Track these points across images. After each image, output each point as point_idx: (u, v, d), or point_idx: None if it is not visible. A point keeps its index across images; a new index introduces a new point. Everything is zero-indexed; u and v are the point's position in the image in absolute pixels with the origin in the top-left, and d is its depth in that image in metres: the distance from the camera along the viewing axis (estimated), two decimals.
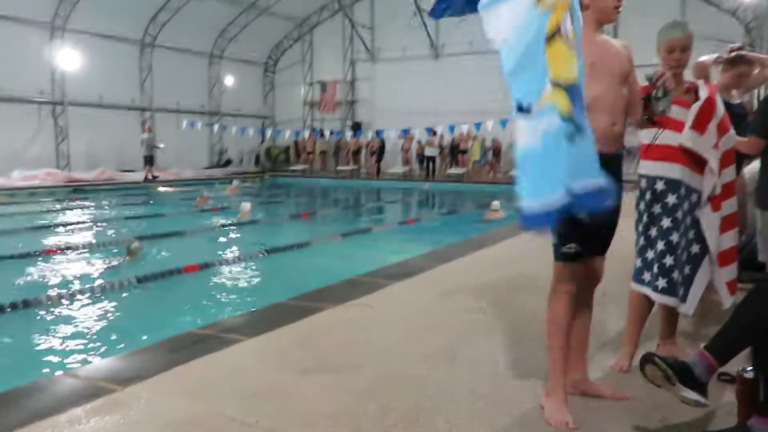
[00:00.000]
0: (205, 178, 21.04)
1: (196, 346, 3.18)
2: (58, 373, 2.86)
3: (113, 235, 8.87)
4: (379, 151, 22.20)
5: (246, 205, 10.38)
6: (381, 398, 2.50)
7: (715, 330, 2.27)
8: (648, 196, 2.89)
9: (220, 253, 7.48)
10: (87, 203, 13.83)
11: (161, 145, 19.75)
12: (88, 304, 5.12)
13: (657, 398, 2.49)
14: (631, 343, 2.93)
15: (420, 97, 23.09)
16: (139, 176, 19.67)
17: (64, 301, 5.11)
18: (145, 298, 5.46)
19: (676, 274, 2.79)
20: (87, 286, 5.62)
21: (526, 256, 5.67)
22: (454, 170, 20.86)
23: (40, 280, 6.08)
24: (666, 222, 2.81)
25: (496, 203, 11.00)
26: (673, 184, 2.81)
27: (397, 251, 7.47)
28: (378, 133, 21.23)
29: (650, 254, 2.88)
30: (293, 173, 23.17)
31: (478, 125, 18.36)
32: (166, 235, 8.47)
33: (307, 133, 22.37)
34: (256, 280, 6.20)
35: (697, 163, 2.79)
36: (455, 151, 21.47)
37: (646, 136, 2.91)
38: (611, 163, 2.36)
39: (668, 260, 2.80)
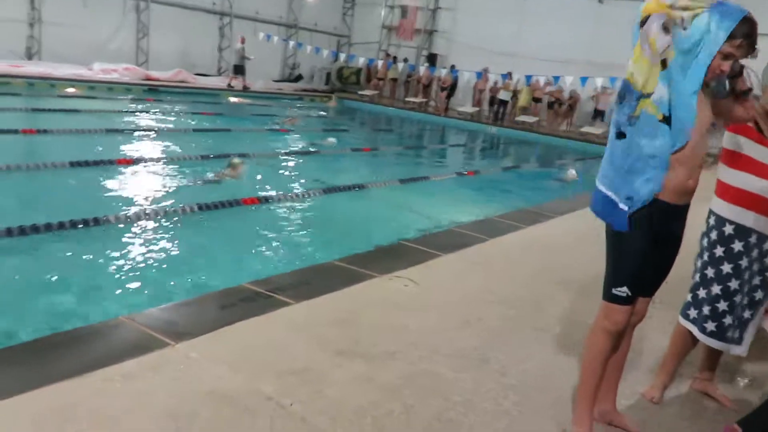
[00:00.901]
0: (275, 92, 21.21)
1: (245, 304, 3.38)
2: (119, 317, 3.09)
3: (192, 148, 9.15)
4: (451, 88, 21.73)
5: (332, 141, 10.95)
6: (407, 398, 2.63)
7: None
8: (714, 236, 2.82)
9: (281, 184, 7.67)
10: (164, 106, 14.21)
11: (251, 57, 19.99)
12: (152, 229, 5.41)
13: None
14: (667, 375, 2.96)
15: (502, 38, 22.24)
16: (212, 81, 20.04)
17: (129, 222, 5.41)
18: (204, 229, 5.71)
19: (727, 319, 2.77)
20: (154, 207, 5.93)
21: (579, 245, 5.62)
22: (525, 117, 20.31)
23: (110, 194, 6.42)
24: (727, 267, 2.75)
25: (572, 172, 10.83)
26: (743, 231, 2.73)
27: (453, 208, 7.53)
28: (452, 71, 20.63)
29: (702, 293, 2.84)
30: (361, 98, 23.04)
31: (556, 78, 17.62)
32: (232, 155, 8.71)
33: (380, 63, 21.88)
34: (310, 223, 6.37)
35: None
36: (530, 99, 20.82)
37: (724, 172, 2.82)
38: (677, 214, 2.34)
39: (722, 305, 2.76)
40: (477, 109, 21.70)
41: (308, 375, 2.73)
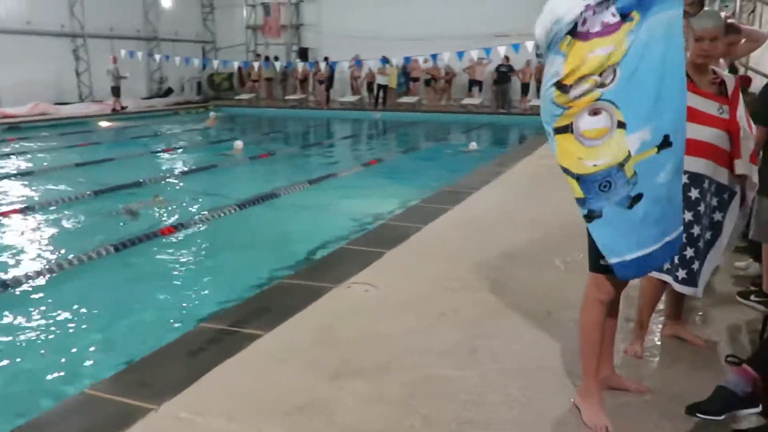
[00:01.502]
0: (147, 110, 20.12)
1: (214, 346, 3.15)
2: (83, 391, 2.76)
3: (82, 185, 8.43)
4: (329, 80, 21.62)
5: (239, 144, 10.90)
6: (421, 409, 2.56)
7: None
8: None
9: (190, 207, 7.28)
10: (32, 143, 13.02)
11: (127, 75, 19.41)
12: (69, 283, 4.94)
13: (676, 389, 2.66)
14: (644, 328, 3.09)
15: (369, 23, 22.37)
16: (75, 109, 18.72)
17: (37, 280, 4.90)
18: (127, 270, 5.29)
19: (695, 265, 2.90)
20: (62, 257, 5.41)
21: (506, 219, 5.79)
22: (406, 99, 20.62)
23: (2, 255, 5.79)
24: (688, 215, 2.84)
25: (473, 144, 11.81)
26: (696, 179, 2.85)
27: (372, 201, 7.48)
28: (332, 64, 20.46)
29: None
30: (239, 103, 22.40)
31: (434, 56, 17.99)
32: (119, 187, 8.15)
33: (257, 64, 21.33)
34: (237, 242, 6.09)
35: (722, 156, 2.84)
36: (407, 79, 21.15)
37: None
38: None
39: (689, 252, 2.89)
40: (358, 97, 21.77)
41: (313, 407, 2.59)
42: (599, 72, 2.15)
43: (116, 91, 19.27)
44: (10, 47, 17.78)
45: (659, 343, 3.18)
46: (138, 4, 22.57)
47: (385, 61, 19.04)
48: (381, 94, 20.85)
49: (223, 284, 4.77)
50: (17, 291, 4.66)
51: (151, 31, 23.13)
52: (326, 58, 21.29)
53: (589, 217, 2.29)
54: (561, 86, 2.19)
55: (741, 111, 2.86)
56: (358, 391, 2.72)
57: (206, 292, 4.65)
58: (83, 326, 4.18)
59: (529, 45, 15.79)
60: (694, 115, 2.81)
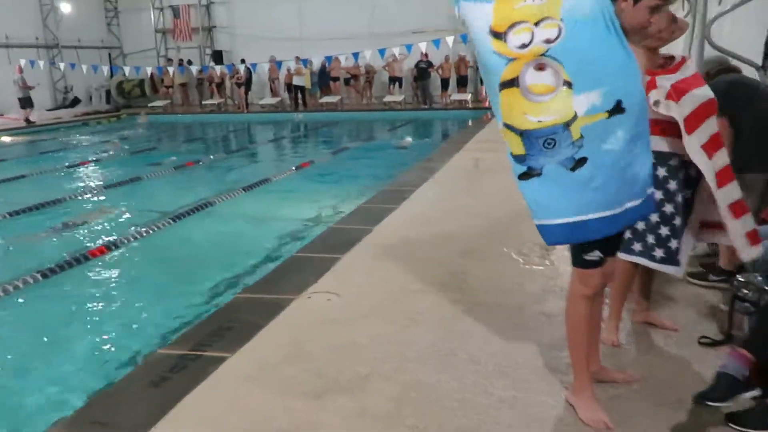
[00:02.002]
0: (53, 122, 18.95)
1: (179, 374, 2.94)
2: (49, 429, 2.50)
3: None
4: (247, 82, 21.12)
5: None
6: (410, 420, 2.48)
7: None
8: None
9: (120, 224, 6.86)
10: None
11: (35, 85, 18.59)
12: None
13: (661, 375, 2.70)
14: (617, 316, 3.10)
15: (284, 23, 22.06)
16: None
17: None
18: (61, 298, 4.90)
19: (673, 243, 2.90)
20: None
21: (451, 215, 5.80)
22: (327, 99, 20.43)
23: None
24: (658, 194, 2.85)
25: (408, 139, 12.59)
26: (662, 157, 2.86)
27: (312, 204, 7.32)
28: (251, 66, 19.98)
29: (641, 225, 2.93)
30: (153, 110, 21.49)
31: (355, 55, 17.90)
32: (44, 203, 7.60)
33: (171, 69, 20.52)
34: (177, 259, 5.77)
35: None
36: (327, 79, 20.95)
37: None
38: None
39: (663, 230, 2.91)
40: (279, 98, 21.39)
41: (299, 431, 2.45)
42: (534, 21, 2.07)
43: (27, 102, 18.38)
44: None
45: (631, 330, 3.23)
46: (35, 10, 21.23)
47: (306, 62, 18.78)
48: (299, 95, 20.58)
49: (172, 305, 4.49)
50: None
51: (52, 39, 21.82)
52: (243, 60, 20.81)
53: (527, 174, 2.20)
54: (495, 34, 2.11)
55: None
56: (342, 408, 2.60)
57: (155, 314, 4.36)
58: (24, 366, 3.83)
59: (450, 40, 16.04)
60: (680, 92, 2.83)
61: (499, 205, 6.08)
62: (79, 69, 19.82)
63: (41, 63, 19.37)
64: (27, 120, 18.27)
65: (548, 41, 2.07)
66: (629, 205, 2.24)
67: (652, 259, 2.95)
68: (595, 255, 2.36)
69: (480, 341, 3.14)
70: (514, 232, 5.07)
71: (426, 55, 18.37)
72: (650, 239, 2.94)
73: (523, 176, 2.22)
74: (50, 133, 16.99)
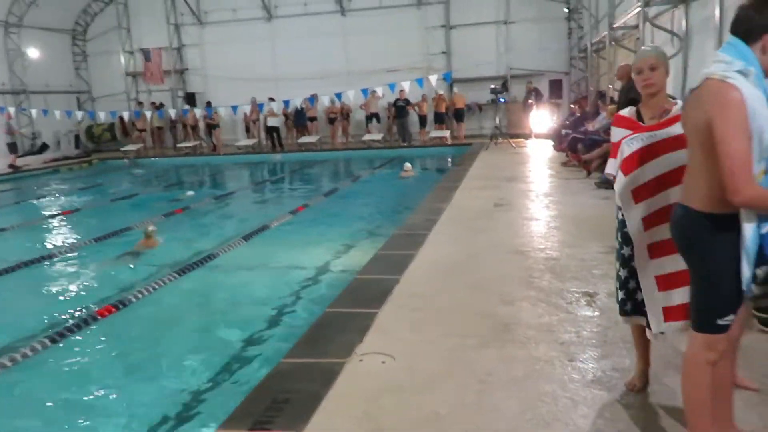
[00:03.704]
0: (22, 170, 18.31)
1: None
2: None
3: None
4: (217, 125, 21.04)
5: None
6: None
7: None
8: (617, 222, 2.98)
9: (118, 282, 6.46)
10: None
11: (22, 130, 19.36)
12: None
13: None
14: (643, 362, 3.04)
15: (257, 64, 22.04)
16: None
17: None
18: (65, 365, 4.51)
19: (639, 295, 2.86)
20: None
21: (477, 258, 5.65)
22: (305, 139, 20.29)
23: None
24: (626, 250, 2.88)
25: (408, 165, 13.17)
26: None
27: (321, 252, 7.06)
28: (233, 108, 19.78)
29: (620, 277, 2.97)
30: (125, 154, 20.99)
31: (339, 95, 17.87)
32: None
33: (149, 113, 20.16)
34: (192, 320, 5.42)
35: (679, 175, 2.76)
36: (303, 120, 20.84)
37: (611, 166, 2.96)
38: None
39: (632, 284, 2.90)
40: (255, 140, 21.16)
41: None
42: None
43: (14, 148, 18.85)
44: None
45: None
46: (2, 56, 20.70)
47: (288, 103, 18.67)
48: (275, 136, 20.42)
49: (205, 373, 4.14)
50: None
51: (18, 84, 21.27)
52: (208, 103, 20.77)
53: None
54: None
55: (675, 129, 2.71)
56: None
57: (192, 385, 3.99)
58: None
59: (433, 79, 16.14)
60: (652, 153, 2.73)
61: (519, 246, 5.95)
62: (52, 114, 19.35)
63: (11, 110, 18.84)
64: (12, 166, 18.13)
65: None
66: None
67: (624, 313, 2.98)
68: (728, 319, 2.20)
69: (568, 404, 2.93)
70: (547, 277, 4.94)
71: (402, 92, 18.46)
72: (621, 294, 2.97)
73: None
74: (21, 182, 16.40)
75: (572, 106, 15.72)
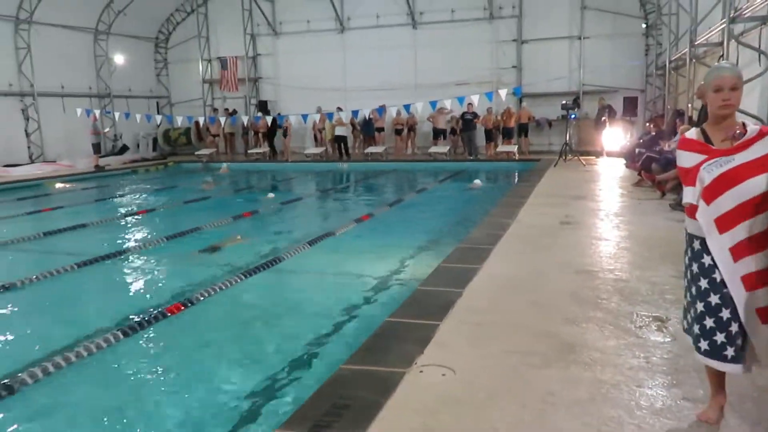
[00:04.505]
0: (104, 170, 19.26)
1: None
2: None
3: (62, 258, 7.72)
4: (272, 133, 21.68)
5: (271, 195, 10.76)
6: None
7: None
8: (689, 252, 2.82)
9: (179, 280, 6.66)
10: None
11: (107, 129, 20.56)
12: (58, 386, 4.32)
13: None
14: (718, 393, 2.88)
15: (328, 74, 22.47)
16: (28, 170, 17.89)
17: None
18: (133, 359, 4.70)
19: (719, 337, 2.67)
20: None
21: (543, 275, 5.54)
22: (372, 149, 20.47)
23: None
24: (703, 283, 2.70)
25: (477, 181, 13.65)
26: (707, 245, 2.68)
27: (385, 261, 7.08)
28: (303, 116, 20.21)
29: (691, 313, 2.81)
30: (199, 158, 21.77)
31: (407, 107, 17.97)
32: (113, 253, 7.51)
33: (223, 119, 20.86)
34: (255, 321, 5.53)
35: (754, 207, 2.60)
36: (371, 130, 21.06)
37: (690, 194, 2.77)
38: None
39: (708, 322, 2.69)
40: (323, 148, 21.52)
41: None
42: None
43: (97, 148, 19.56)
44: None
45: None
46: (90, 62, 21.92)
47: (356, 113, 18.93)
48: (342, 145, 20.70)
49: (264, 374, 4.22)
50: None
51: (104, 88, 22.43)
52: (268, 112, 21.40)
53: None
54: None
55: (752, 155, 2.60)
56: None
57: (251, 386, 4.06)
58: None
59: (502, 93, 16.01)
60: (732, 179, 2.59)
61: (586, 266, 5.79)
62: (133, 117, 20.30)
63: (96, 112, 19.92)
64: (96, 166, 19.02)
65: None
66: None
67: (698, 350, 2.76)
68: None
69: (634, 430, 2.82)
70: (615, 299, 4.79)
71: (470, 105, 18.36)
72: (696, 329, 2.75)
73: None
74: (101, 180, 17.26)
75: (647, 124, 15.22)
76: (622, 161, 13.99)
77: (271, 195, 12.85)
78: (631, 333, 4.06)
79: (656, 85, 18.83)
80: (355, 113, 19.08)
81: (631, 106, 19.56)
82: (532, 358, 3.69)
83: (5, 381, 4.07)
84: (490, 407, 3.11)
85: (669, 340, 3.94)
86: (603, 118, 18.18)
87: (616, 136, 17.65)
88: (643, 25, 19.50)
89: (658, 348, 3.81)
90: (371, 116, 20.03)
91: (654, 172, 10.13)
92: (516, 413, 3.03)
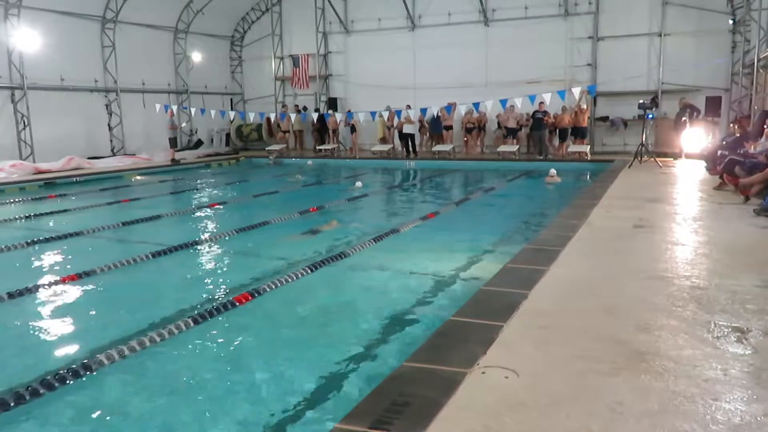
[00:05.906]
0: (179, 163, 20.01)
1: None
2: None
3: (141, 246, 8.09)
4: (321, 129, 21.97)
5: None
6: None
7: None
8: None
9: (246, 271, 6.83)
10: (74, 201, 12.76)
11: (183, 124, 21.30)
12: (136, 366, 4.50)
13: None
14: None
15: (397, 72, 22.51)
16: (110, 163, 18.78)
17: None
18: (204, 347, 4.84)
19: None
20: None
21: (613, 279, 5.33)
22: (440, 147, 20.38)
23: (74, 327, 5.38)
24: None
25: (553, 171, 13.95)
26: None
27: (450, 261, 7.02)
28: (371, 113, 20.36)
29: None
30: (269, 153, 22.29)
31: (476, 105, 17.80)
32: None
33: (294, 116, 21.31)
34: (319, 315, 5.60)
35: None
36: (439, 128, 20.95)
37: None
38: None
39: None
40: (390, 146, 21.59)
41: None
42: None
43: (174, 143, 20.18)
44: (44, 104, 17.89)
45: None
46: (169, 59, 22.80)
47: (425, 111, 18.89)
48: (410, 143, 20.69)
49: (325, 368, 4.26)
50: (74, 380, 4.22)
51: (182, 85, 23.29)
52: (316, 109, 21.69)
53: None
54: None
55: None
56: None
57: (312, 379, 4.12)
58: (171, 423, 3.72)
59: (576, 92, 15.58)
60: None
61: (661, 272, 5.54)
62: (208, 113, 20.98)
63: (174, 107, 20.73)
64: (173, 160, 19.76)
65: None
66: None
67: None
68: None
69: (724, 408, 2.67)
70: (691, 307, 4.55)
71: (542, 104, 17.96)
72: None
73: None
74: (177, 173, 17.94)
75: (732, 125, 14.47)
76: (703, 164, 13.35)
77: (359, 184, 13.80)
78: (707, 343, 3.85)
79: (742, 84, 17.85)
80: (423, 111, 19.01)
81: (713, 106, 18.61)
82: (601, 365, 3.56)
83: (85, 361, 4.28)
84: (555, 413, 3.01)
85: (750, 352, 3.71)
86: (684, 118, 17.37)
87: (697, 138, 16.84)
88: (730, 21, 18.52)
89: (738, 360, 3.60)
90: (440, 114, 19.92)
91: (738, 175, 9.61)
92: (582, 421, 2.93)
